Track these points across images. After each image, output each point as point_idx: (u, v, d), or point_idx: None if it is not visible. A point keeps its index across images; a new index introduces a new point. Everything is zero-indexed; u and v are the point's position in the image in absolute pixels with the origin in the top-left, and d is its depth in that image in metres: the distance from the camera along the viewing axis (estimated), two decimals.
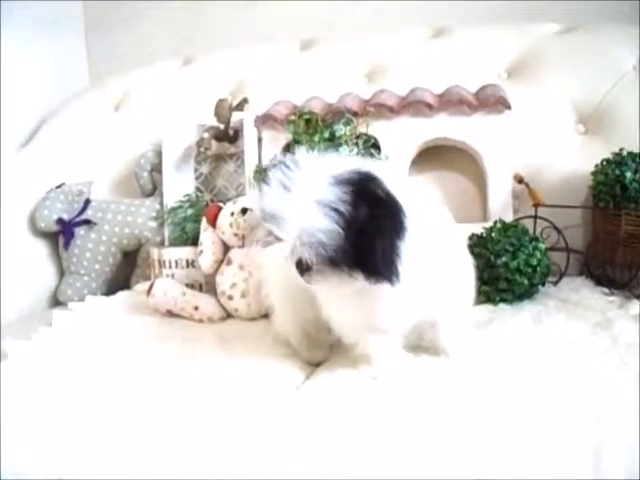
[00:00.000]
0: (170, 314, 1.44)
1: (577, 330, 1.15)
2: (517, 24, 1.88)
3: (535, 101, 1.73)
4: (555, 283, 1.50)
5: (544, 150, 1.70)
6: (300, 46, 2.05)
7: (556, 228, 1.52)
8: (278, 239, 0.87)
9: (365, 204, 0.82)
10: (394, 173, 0.93)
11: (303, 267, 0.87)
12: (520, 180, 1.57)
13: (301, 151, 0.89)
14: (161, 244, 1.70)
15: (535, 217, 1.53)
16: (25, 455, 0.88)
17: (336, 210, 0.81)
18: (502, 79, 1.80)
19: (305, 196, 0.82)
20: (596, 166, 1.52)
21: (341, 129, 1.52)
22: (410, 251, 0.86)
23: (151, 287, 1.45)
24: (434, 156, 1.65)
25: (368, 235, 0.83)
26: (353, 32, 2.00)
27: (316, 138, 1.50)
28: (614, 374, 0.93)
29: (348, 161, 0.90)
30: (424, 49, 1.91)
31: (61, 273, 1.82)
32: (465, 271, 1.05)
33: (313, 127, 1.54)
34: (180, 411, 0.94)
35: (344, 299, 0.94)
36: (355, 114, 1.57)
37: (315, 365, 1.14)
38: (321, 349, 1.17)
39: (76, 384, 1.07)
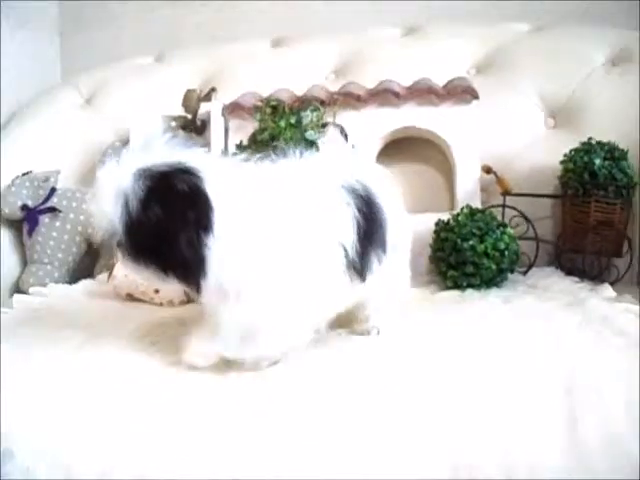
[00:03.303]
0: (131, 298, 1.40)
1: (549, 308, 1.15)
2: (487, 24, 1.90)
3: (504, 96, 1.75)
4: (524, 273, 1.49)
5: (513, 143, 1.70)
6: (271, 44, 2.06)
7: (525, 217, 1.51)
8: None
9: (160, 201, 0.81)
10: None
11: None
12: (488, 170, 1.55)
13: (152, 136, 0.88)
14: None
15: (504, 206, 1.52)
16: None
17: (127, 205, 0.81)
18: (471, 75, 1.81)
19: (108, 185, 0.83)
20: (565, 155, 1.52)
21: (307, 115, 1.51)
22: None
23: (112, 270, 1.42)
24: (402, 148, 1.65)
25: (167, 232, 0.81)
26: (323, 31, 2.01)
27: (282, 124, 1.49)
28: (589, 345, 0.92)
29: (179, 153, 0.86)
30: (394, 46, 1.91)
31: (24, 262, 1.78)
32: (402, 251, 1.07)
33: (279, 114, 1.52)
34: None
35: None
36: (322, 103, 1.57)
37: None
38: None
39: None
